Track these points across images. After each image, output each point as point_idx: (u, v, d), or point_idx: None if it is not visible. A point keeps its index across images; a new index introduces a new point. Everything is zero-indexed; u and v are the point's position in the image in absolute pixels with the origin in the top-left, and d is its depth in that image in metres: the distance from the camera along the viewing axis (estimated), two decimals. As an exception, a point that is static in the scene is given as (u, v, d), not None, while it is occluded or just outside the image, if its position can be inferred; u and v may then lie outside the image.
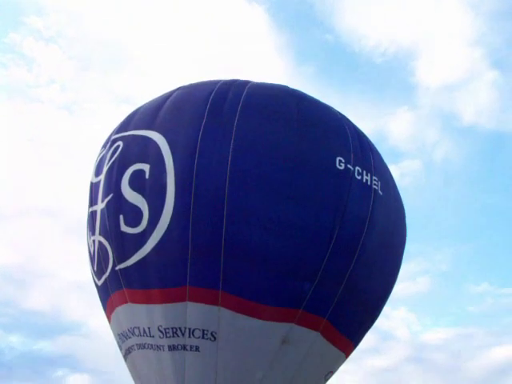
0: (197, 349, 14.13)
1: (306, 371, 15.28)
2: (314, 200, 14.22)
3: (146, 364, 15.47)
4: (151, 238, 14.05)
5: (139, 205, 14.38)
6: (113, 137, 16.49)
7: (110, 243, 15.17)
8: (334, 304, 14.64)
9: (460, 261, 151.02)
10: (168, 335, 14.28)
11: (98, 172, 16.54)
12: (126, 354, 16.22)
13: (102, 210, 15.64)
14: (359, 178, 15.03)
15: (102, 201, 15.62)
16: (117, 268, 14.95)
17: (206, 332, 13.97)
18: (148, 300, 14.45)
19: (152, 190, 14.32)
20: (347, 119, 16.64)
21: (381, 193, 15.57)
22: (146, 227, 14.14)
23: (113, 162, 15.62)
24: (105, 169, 15.91)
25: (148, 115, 15.87)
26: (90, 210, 16.53)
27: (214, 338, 13.99)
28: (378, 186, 15.49)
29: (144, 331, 14.85)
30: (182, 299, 13.91)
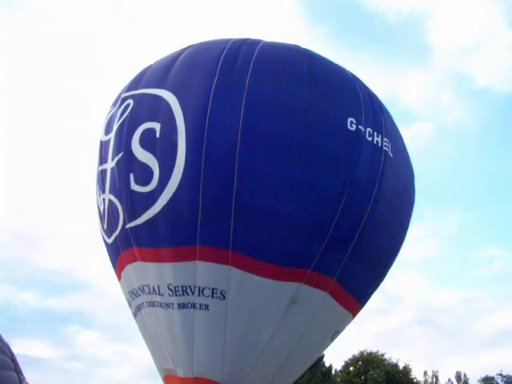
0: (206, 307, 14.27)
1: (314, 331, 15.46)
2: (324, 161, 14.21)
3: (155, 321, 15.67)
4: (161, 196, 14.07)
5: (150, 164, 14.37)
6: (123, 95, 16.39)
7: (120, 202, 15.22)
8: (342, 264, 14.74)
9: (468, 225, 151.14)
10: (177, 293, 14.42)
11: (107, 130, 16.50)
12: (136, 311, 16.41)
13: (112, 169, 15.65)
14: (370, 139, 14.98)
15: (112, 159, 15.61)
16: (127, 226, 15.02)
17: (215, 291, 14.11)
18: (158, 258, 14.56)
19: (163, 148, 14.30)
20: (359, 80, 16.50)
21: (391, 154, 15.53)
22: (157, 186, 14.16)
23: (123, 121, 15.56)
24: (115, 127, 15.87)
25: (159, 73, 15.73)
26: (100, 168, 16.54)
27: (224, 297, 14.13)
28: (388, 147, 15.44)
29: (154, 289, 14.99)
30: (191, 258, 14.01)
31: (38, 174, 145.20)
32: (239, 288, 14.11)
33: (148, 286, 15.14)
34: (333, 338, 17.00)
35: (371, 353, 77.04)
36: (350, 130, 14.60)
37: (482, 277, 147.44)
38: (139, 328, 17.11)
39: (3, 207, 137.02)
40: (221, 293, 14.12)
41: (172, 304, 14.68)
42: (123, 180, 15.02)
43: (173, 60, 15.92)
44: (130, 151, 14.91)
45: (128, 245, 15.26)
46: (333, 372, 71.13)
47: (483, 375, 71.65)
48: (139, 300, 15.89)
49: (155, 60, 16.80)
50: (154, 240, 14.53)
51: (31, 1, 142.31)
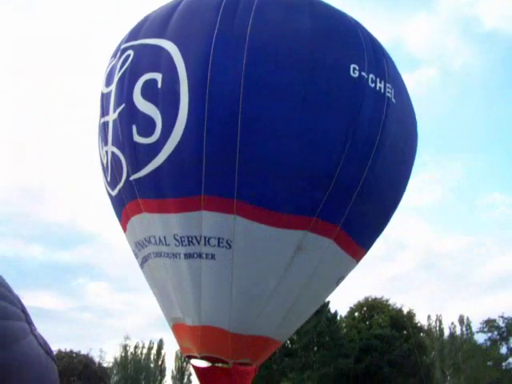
0: (212, 257, 14.42)
1: (319, 277, 15.65)
2: (328, 108, 14.11)
3: (162, 272, 15.85)
4: (164, 148, 14.02)
5: (152, 115, 14.28)
6: (122, 46, 16.16)
7: (123, 154, 15.19)
8: (347, 211, 14.79)
9: (472, 171, 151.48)
10: (184, 244, 14.54)
11: (108, 82, 16.33)
12: (143, 262, 16.59)
13: (114, 121, 15.57)
14: (373, 85, 14.82)
15: (114, 111, 15.50)
16: (131, 178, 15.04)
17: (221, 240, 14.22)
18: (163, 209, 14.62)
19: (165, 99, 14.17)
20: (362, 26, 16.23)
21: (394, 101, 15.40)
22: (160, 137, 14.09)
23: (124, 72, 15.38)
24: (115, 79, 15.69)
25: (158, 23, 15.46)
26: (102, 120, 16.46)
27: (230, 246, 14.24)
28: (391, 93, 15.31)
29: (160, 240, 15.12)
30: (196, 208, 14.06)
31: (41, 128, 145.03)
32: (245, 237, 14.20)
33: (154, 236, 15.26)
34: (337, 284, 17.24)
35: (376, 298, 78.37)
36: (352, 77, 14.42)
37: (486, 222, 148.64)
38: (146, 278, 17.34)
39: (8, 163, 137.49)
40: (227, 242, 14.22)
41: (179, 254, 14.83)
42: (125, 132, 14.95)
43: (172, 9, 15.63)
44: (132, 103, 14.78)
45: (132, 196, 15.30)
46: (338, 318, 72.30)
47: (485, 318, 72.87)
48: (146, 251, 16.04)
49: (153, 9, 16.57)
50: (158, 191, 14.56)
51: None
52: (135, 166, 14.86)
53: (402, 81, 17.11)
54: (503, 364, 71.67)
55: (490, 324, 71.70)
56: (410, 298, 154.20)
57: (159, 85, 14.32)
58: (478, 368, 71.43)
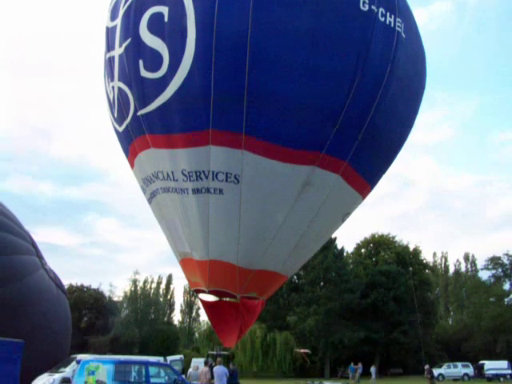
0: (220, 192, 14.52)
1: (326, 213, 15.78)
2: (337, 43, 13.83)
3: (170, 207, 16.02)
4: (172, 82, 13.88)
5: (159, 49, 14.08)
6: (128, -22, 15.82)
7: (130, 89, 15.09)
8: (354, 147, 14.78)
9: (485, 109, 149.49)
10: (192, 179, 14.62)
11: (113, 16, 16.06)
12: (151, 197, 16.73)
13: (120, 56, 15.40)
14: (383, 19, 14.54)
15: (120, 46, 15.32)
16: (138, 114, 14.99)
17: (229, 175, 14.28)
18: (171, 145, 14.63)
19: (172, 33, 13.92)
20: (371, -43, 15.80)
21: (404, 35, 15.13)
22: (167, 72, 13.94)
23: (129, 5, 15.08)
24: (121, 12, 15.40)
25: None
26: (108, 55, 16.28)
27: (238, 181, 14.32)
28: (401, 28, 15.03)
29: (168, 175, 15.21)
30: (205, 143, 14.05)
31: (46, 64, 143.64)
32: (253, 172, 14.24)
33: (162, 172, 15.34)
34: (343, 220, 17.39)
35: (382, 235, 78.97)
36: (362, 10, 14.12)
37: (496, 161, 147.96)
38: (154, 214, 17.51)
39: (16, 100, 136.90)
40: (235, 177, 14.29)
41: (187, 189, 14.93)
42: (132, 67, 14.80)
43: None
44: (138, 37, 14.57)
45: (140, 132, 15.30)
46: (344, 254, 73.09)
47: (490, 256, 73.53)
48: (153, 186, 16.16)
49: None
50: (166, 126, 14.52)
51: None
52: (142, 101, 14.79)
53: (413, 16, 16.74)
54: (505, 300, 72.94)
55: (494, 261, 72.56)
56: (417, 236, 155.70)
57: (166, 18, 14.05)
58: (481, 304, 72.72)
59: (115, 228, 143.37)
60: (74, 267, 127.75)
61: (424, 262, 79.23)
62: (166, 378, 15.19)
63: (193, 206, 15.08)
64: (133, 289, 78.19)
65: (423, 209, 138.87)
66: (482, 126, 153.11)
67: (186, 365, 35.15)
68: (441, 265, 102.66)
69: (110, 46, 16.11)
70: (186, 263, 16.95)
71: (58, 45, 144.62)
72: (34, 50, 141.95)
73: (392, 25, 14.76)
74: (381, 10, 14.52)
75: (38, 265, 18.89)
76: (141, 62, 14.52)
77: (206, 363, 22.45)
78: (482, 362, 56.40)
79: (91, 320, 65.81)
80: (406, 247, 77.33)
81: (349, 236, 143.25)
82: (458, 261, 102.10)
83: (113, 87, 15.94)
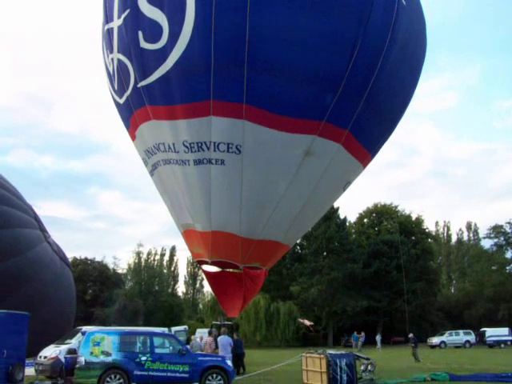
0: (222, 162, 14.52)
1: (327, 182, 15.82)
2: (337, 9, 13.69)
3: (172, 179, 16.05)
4: (172, 53, 13.81)
5: (158, 20, 13.98)
6: None
7: (130, 60, 15.01)
8: (355, 116, 14.75)
9: (489, 76, 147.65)
10: (193, 150, 14.62)
11: (112, -13, 15.90)
12: (153, 169, 16.74)
13: (119, 27, 15.28)
14: None
15: (119, 17, 15.19)
16: (139, 85, 14.94)
17: (230, 145, 14.28)
18: (172, 116, 14.59)
19: (171, 3, 13.80)
20: None
21: (404, 2, 14.99)
22: (167, 42, 13.85)
23: (127, -24, 14.93)
24: (119, -17, 15.27)
25: None
26: (106, 27, 16.14)
27: (239, 152, 14.33)
28: None
29: (169, 147, 15.20)
30: (206, 114, 14.03)
31: (46, 34, 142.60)
32: (254, 142, 14.25)
33: (163, 143, 15.33)
34: (344, 189, 17.44)
35: (385, 205, 79.08)
36: None
37: (500, 129, 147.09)
38: (156, 186, 17.54)
39: (17, 73, 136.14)
40: (236, 147, 14.29)
41: (188, 160, 14.94)
42: (132, 38, 14.71)
43: None
44: (137, 8, 14.44)
45: (141, 104, 15.26)
46: (347, 224, 73.23)
47: (493, 224, 73.63)
48: (155, 158, 16.16)
49: None
50: (167, 97, 14.47)
51: None
52: (143, 73, 14.72)
53: (413, -19, 16.57)
54: (507, 268, 73.27)
55: (496, 230, 72.66)
56: (419, 205, 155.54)
57: (164, -12, 13.93)
58: (483, 272, 73.06)
59: (118, 201, 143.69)
60: (77, 240, 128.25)
61: (426, 231, 79.41)
62: (171, 348, 15.36)
63: (194, 178, 15.11)
64: (137, 261, 78.68)
65: (426, 178, 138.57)
66: (487, 93, 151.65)
67: (191, 335, 35.55)
68: (443, 234, 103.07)
69: (108, 18, 15.96)
70: (188, 235, 17.02)
71: (58, 15, 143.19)
72: (34, 21, 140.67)
73: None
74: None
75: (42, 238, 18.93)
76: (140, 34, 14.43)
77: (210, 333, 22.67)
78: (483, 329, 56.88)
79: (96, 292, 66.35)
80: (409, 216, 77.46)
81: (351, 206, 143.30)
82: (460, 230, 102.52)
83: (112, 59, 15.85)
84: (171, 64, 13.92)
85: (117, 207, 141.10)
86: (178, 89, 14.15)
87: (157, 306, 71.11)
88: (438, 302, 76.49)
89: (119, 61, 15.46)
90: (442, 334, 58.31)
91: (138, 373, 14.26)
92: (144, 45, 14.39)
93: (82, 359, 14.17)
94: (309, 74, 13.76)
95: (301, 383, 17.26)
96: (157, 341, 15.37)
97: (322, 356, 16.35)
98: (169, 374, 14.55)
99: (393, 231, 72.92)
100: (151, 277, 78.83)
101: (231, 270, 17.16)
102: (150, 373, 14.39)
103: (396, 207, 79.19)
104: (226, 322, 27.00)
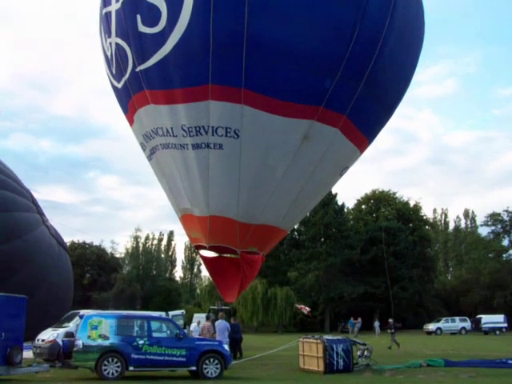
0: (220, 146, 14.53)
1: (325, 167, 15.85)
2: None
3: (170, 163, 16.05)
4: (171, 36, 13.78)
5: (157, 3, 13.93)
6: None
7: (128, 45, 14.98)
8: (353, 101, 14.76)
9: (489, 63, 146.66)
10: (191, 134, 14.61)
11: (109, -30, 15.79)
12: (151, 154, 16.73)
13: (117, 11, 15.22)
14: None
15: (117, 1, 15.14)
16: (137, 69, 14.91)
17: (229, 130, 14.28)
18: (170, 100, 14.57)
19: (169, -14, 13.73)
20: None
21: None
22: (165, 26, 13.82)
23: (125, -41, 14.82)
24: (117, -34, 15.17)
25: None
26: (104, 11, 16.07)
27: (237, 136, 14.32)
28: None
29: (167, 131, 15.19)
30: (204, 98, 14.02)
31: (44, 19, 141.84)
32: (252, 126, 14.25)
33: (161, 128, 15.31)
34: (341, 174, 17.47)
35: (383, 191, 79.11)
36: None
37: (499, 117, 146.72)
38: (154, 171, 17.54)
39: (15, 56, 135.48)
40: (234, 132, 14.29)
41: (186, 145, 14.93)
42: (130, 22, 14.67)
43: None
44: None
45: (139, 88, 15.22)
46: (345, 210, 73.26)
47: (490, 212, 73.79)
48: (153, 143, 16.14)
49: None
50: (165, 81, 14.45)
51: None
52: (141, 57, 14.68)
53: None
54: (504, 256, 73.55)
55: (494, 217, 72.81)
56: (417, 192, 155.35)
57: (162, -28, 13.85)
58: (480, 259, 73.30)
59: (117, 185, 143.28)
60: (76, 225, 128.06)
61: (424, 218, 79.58)
62: (168, 332, 15.41)
63: (193, 162, 15.11)
64: (134, 245, 78.74)
65: (424, 165, 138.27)
66: (487, 80, 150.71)
67: (188, 320, 35.67)
68: (441, 221, 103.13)
69: (106, 1, 15.90)
70: (186, 219, 17.05)
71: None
72: (33, 4, 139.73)
73: None
74: None
75: (40, 221, 18.91)
76: (138, 17, 14.38)
77: (208, 318, 22.76)
78: (479, 316, 57.20)
79: (93, 276, 66.43)
80: (407, 203, 77.50)
81: (349, 192, 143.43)
82: (457, 217, 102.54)
83: (110, 43, 15.79)
84: (170, 48, 13.89)
85: (115, 191, 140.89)
86: (177, 73, 14.13)
87: (154, 290, 71.30)
88: (434, 288, 76.73)
89: (117, 45, 15.41)
90: (438, 321, 58.60)
91: (136, 356, 14.32)
92: (142, 29, 14.34)
93: (79, 342, 14.22)
94: (308, 58, 13.76)
95: (297, 368, 17.36)
96: (154, 325, 15.42)
97: (318, 341, 16.43)
98: (166, 358, 14.61)
99: (390, 218, 73.04)
100: (149, 261, 78.95)
101: (228, 255, 17.21)
102: (148, 356, 14.45)
103: (394, 194, 79.25)
104: (223, 307, 27.12)
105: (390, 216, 74.14)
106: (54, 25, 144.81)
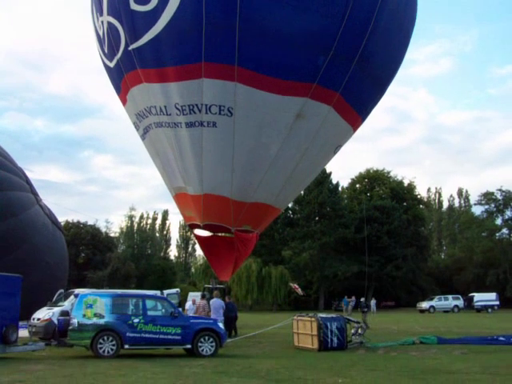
0: (214, 125, 14.49)
1: (318, 144, 15.88)
2: None
3: (164, 142, 16.00)
4: (163, 14, 13.67)
5: None
6: None
7: (120, 23, 14.86)
8: (346, 78, 14.74)
9: (485, 42, 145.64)
10: (185, 112, 14.56)
11: None
12: (144, 133, 16.68)
13: None
14: None
15: (108, -22, 14.97)
16: (129, 48, 14.81)
17: (222, 108, 14.23)
18: (163, 79, 14.50)
19: (160, -37, 13.58)
20: None
21: None
22: (158, 4, 13.71)
23: None
24: None
25: None
26: None
27: (231, 114, 14.29)
28: None
29: (161, 110, 15.13)
30: (197, 76, 13.95)
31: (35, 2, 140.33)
32: (246, 104, 14.22)
33: (155, 106, 15.25)
34: (335, 152, 17.50)
35: (377, 170, 79.16)
36: None
37: (495, 96, 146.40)
38: (148, 150, 17.50)
39: (9, 35, 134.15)
40: (228, 109, 14.25)
41: (180, 123, 14.89)
42: (122, 0, 14.51)
43: None
44: None
45: (132, 67, 15.13)
46: (339, 189, 73.38)
47: (484, 191, 74.05)
48: (146, 122, 16.08)
49: None
50: (158, 60, 14.38)
51: None
52: (134, 35, 14.57)
53: None
54: (497, 234, 73.94)
55: (487, 197, 72.94)
56: (411, 171, 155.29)
57: None
58: (473, 238, 73.66)
59: (111, 164, 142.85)
60: (70, 204, 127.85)
61: (418, 197, 79.70)
62: (163, 310, 15.45)
63: (186, 140, 15.09)
64: (129, 225, 78.79)
65: (419, 144, 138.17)
66: (482, 59, 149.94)
67: (183, 298, 35.78)
68: (435, 200, 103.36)
69: (97, -21, 15.72)
70: (180, 198, 17.06)
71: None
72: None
73: None
74: None
75: (33, 201, 18.97)
76: None
77: (203, 297, 22.83)
78: (471, 294, 57.61)
79: (88, 256, 66.46)
80: (401, 182, 77.62)
81: (344, 171, 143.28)
82: (451, 196, 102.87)
83: (102, 22, 15.66)
84: (162, 26, 13.80)
85: (110, 171, 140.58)
86: (169, 51, 14.06)
87: (149, 269, 71.54)
88: (428, 267, 77.18)
89: (109, 24, 15.28)
90: (431, 299, 58.99)
91: (131, 335, 14.36)
92: (134, 7, 14.22)
93: (74, 321, 14.25)
94: (301, 35, 13.70)
95: (292, 346, 17.47)
96: (149, 303, 15.45)
97: (312, 319, 16.51)
98: (161, 337, 14.65)
99: (385, 197, 73.20)
100: (143, 240, 79.07)
101: (223, 234, 17.25)
102: (143, 335, 14.48)
103: (388, 173, 79.33)
104: (217, 286, 27.20)
105: (384, 195, 74.28)
106: (48, 2, 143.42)
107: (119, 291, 19.47)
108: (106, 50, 16.09)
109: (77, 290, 20.74)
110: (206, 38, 13.43)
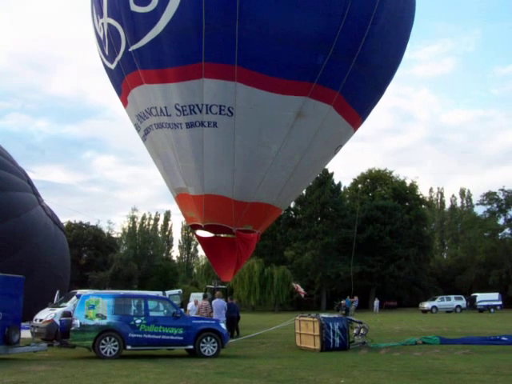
0: (214, 125, 14.50)
1: (319, 144, 15.86)
2: None
3: (164, 143, 16.01)
4: (163, 15, 13.67)
5: None
6: None
7: (120, 24, 14.85)
8: (346, 77, 14.73)
9: (488, 42, 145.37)
10: (185, 113, 14.57)
11: (100, -51, 15.62)
12: (145, 134, 16.69)
13: None
14: None
15: (108, -20, 14.98)
16: (130, 49, 14.81)
17: (222, 108, 14.23)
18: (163, 79, 14.51)
19: (160, -36, 13.59)
20: None
21: None
22: (158, 5, 13.71)
23: None
24: None
25: None
26: None
27: (231, 114, 14.29)
28: None
29: (161, 110, 15.14)
30: (197, 76, 13.95)
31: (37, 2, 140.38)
32: (246, 104, 14.22)
33: (155, 107, 15.26)
34: (335, 152, 17.50)
35: (379, 170, 79.15)
36: None
37: (498, 96, 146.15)
38: (149, 151, 17.50)
39: (12, 36, 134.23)
40: (228, 109, 14.25)
41: (180, 124, 14.89)
42: (122, 2, 14.52)
43: None
44: None
45: (132, 68, 15.13)
46: (341, 189, 73.40)
47: (486, 191, 73.97)
48: (147, 123, 16.09)
49: None
50: (158, 61, 14.38)
51: None
52: (134, 37, 14.57)
53: None
54: (499, 234, 73.87)
55: (490, 196, 72.93)
56: (414, 171, 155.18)
57: (153, -51, 13.72)
58: (475, 238, 73.65)
59: (114, 165, 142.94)
60: (72, 205, 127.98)
61: (420, 197, 79.72)
62: (165, 311, 15.47)
63: (187, 141, 15.11)
64: (131, 225, 78.89)
65: (421, 144, 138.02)
66: (485, 58, 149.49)
67: (185, 299, 35.82)
68: (437, 200, 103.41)
69: (96, -19, 15.74)
70: (181, 199, 17.07)
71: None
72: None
73: None
74: None
75: (35, 201, 18.99)
76: None
77: (205, 297, 22.87)
78: (474, 294, 57.61)
79: (90, 256, 66.61)
80: (403, 182, 77.65)
81: (346, 171, 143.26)
82: (453, 196, 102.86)
83: (102, 24, 15.67)
84: (162, 26, 13.79)
85: (112, 172, 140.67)
86: (170, 52, 14.06)
87: (151, 270, 71.63)
88: (430, 267, 77.18)
89: (109, 25, 15.28)
90: (433, 299, 58.95)
91: (133, 335, 14.39)
92: (134, 8, 14.22)
93: (76, 322, 14.28)
94: (300, 34, 13.70)
95: (294, 346, 17.49)
96: (151, 304, 15.47)
97: (315, 319, 16.52)
98: (163, 337, 14.68)
99: (387, 197, 73.19)
100: (146, 241, 79.17)
101: (224, 235, 17.25)
102: (145, 335, 14.52)
103: (390, 173, 79.37)
104: (219, 286, 27.23)
105: (386, 195, 74.27)
106: (51, 3, 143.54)
107: (121, 292, 19.49)
108: (106, 52, 16.10)
109: (79, 291, 20.78)
110: (206, 38, 13.42)
